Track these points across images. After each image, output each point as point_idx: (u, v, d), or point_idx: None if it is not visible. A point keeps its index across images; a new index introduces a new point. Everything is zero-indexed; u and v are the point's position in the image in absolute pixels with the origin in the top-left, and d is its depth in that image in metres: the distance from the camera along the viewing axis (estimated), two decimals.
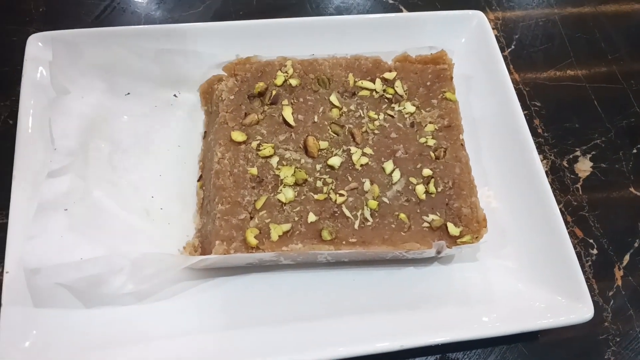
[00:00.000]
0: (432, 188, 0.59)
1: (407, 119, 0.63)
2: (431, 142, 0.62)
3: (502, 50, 0.82)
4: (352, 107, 0.63)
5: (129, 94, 0.67)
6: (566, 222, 0.70)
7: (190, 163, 0.65)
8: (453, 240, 0.57)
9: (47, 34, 0.65)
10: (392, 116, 0.63)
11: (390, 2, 0.86)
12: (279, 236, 0.55)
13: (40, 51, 0.64)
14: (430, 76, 0.66)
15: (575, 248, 0.68)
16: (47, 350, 0.52)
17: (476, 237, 0.58)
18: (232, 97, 0.62)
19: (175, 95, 0.68)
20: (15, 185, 0.58)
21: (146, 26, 0.67)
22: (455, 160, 0.61)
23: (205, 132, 0.66)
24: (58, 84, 0.64)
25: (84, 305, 0.55)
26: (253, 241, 0.54)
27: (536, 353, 0.63)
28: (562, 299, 0.59)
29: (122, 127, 0.65)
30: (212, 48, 0.68)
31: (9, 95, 0.68)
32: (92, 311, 0.55)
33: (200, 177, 0.63)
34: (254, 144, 0.59)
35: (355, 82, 0.64)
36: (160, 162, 0.64)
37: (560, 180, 0.74)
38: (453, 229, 0.57)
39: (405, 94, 0.64)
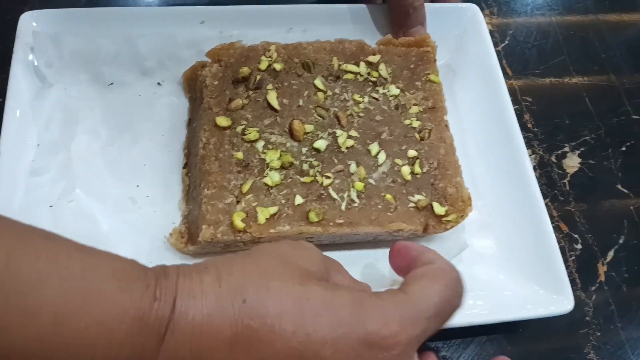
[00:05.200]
0: (417, 169, 0.59)
1: (392, 102, 0.63)
2: (416, 124, 0.62)
3: (495, 45, 0.82)
4: (336, 91, 0.63)
5: (112, 84, 0.67)
6: (552, 217, 0.71)
7: (174, 151, 0.64)
8: (439, 220, 0.58)
9: (39, 12, 0.64)
10: (376, 99, 0.63)
11: None
12: (266, 219, 0.54)
13: (33, 30, 0.63)
14: (414, 59, 0.66)
15: (559, 242, 0.68)
16: None
17: (461, 216, 0.58)
18: (216, 82, 0.61)
19: (159, 84, 0.68)
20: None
21: (127, 8, 0.66)
22: (439, 141, 0.62)
23: (189, 119, 0.66)
24: (43, 74, 0.64)
25: None
26: (240, 224, 0.54)
27: (516, 345, 0.63)
28: (543, 290, 0.59)
29: (105, 118, 0.64)
30: (196, 33, 0.67)
31: (1, 73, 0.67)
32: None
33: (186, 164, 0.63)
34: (239, 128, 0.59)
35: (339, 65, 0.64)
36: (145, 151, 0.64)
37: (547, 175, 0.74)
38: (439, 208, 0.58)
39: (390, 76, 0.65)
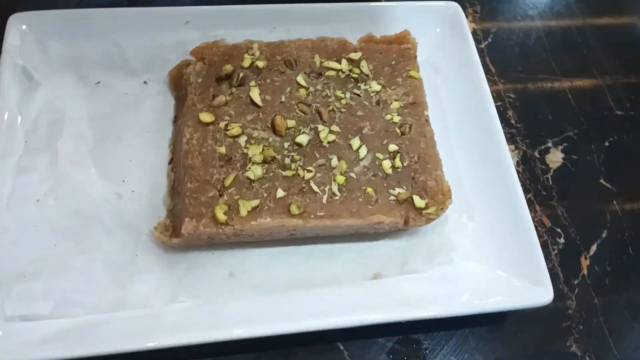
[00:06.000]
0: (398, 163, 0.60)
1: (373, 97, 0.64)
2: (397, 119, 0.63)
3: (478, 43, 0.84)
4: (318, 87, 0.64)
5: (99, 82, 0.68)
6: (535, 211, 0.72)
7: (161, 147, 0.65)
8: (419, 212, 0.59)
9: (28, 14, 0.65)
10: (358, 95, 0.64)
11: None
12: (248, 212, 0.55)
13: (21, 32, 0.65)
14: (395, 55, 0.67)
15: (542, 237, 0.70)
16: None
17: (441, 209, 0.59)
18: (199, 80, 0.62)
19: (145, 82, 0.69)
20: None
21: (113, 9, 0.68)
22: (420, 136, 0.63)
23: (175, 116, 0.67)
24: (31, 75, 0.65)
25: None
26: (222, 217, 0.55)
27: (498, 338, 0.64)
28: (522, 282, 0.60)
29: (92, 117, 0.66)
30: (181, 33, 0.69)
31: None
32: None
33: (171, 160, 0.64)
34: (222, 124, 0.60)
35: (321, 62, 0.65)
36: (131, 148, 0.65)
37: (530, 170, 0.75)
38: (419, 201, 0.59)
39: (371, 73, 0.66)
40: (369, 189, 0.59)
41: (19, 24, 0.66)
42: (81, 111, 0.65)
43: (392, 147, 0.61)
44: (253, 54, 0.64)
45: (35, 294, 0.53)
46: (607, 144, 0.79)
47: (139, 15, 0.69)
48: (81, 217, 0.59)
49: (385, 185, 0.60)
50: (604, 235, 0.72)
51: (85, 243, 0.57)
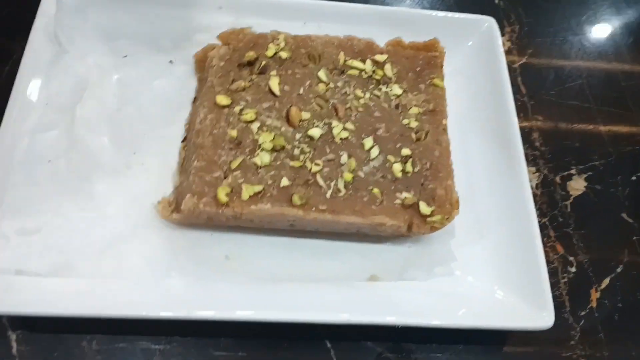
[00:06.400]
0: (409, 167, 0.59)
1: (393, 101, 0.64)
2: (414, 124, 0.62)
3: (513, 62, 0.82)
4: (339, 84, 0.64)
5: (126, 56, 0.69)
6: (548, 237, 0.70)
7: (177, 125, 0.66)
8: (423, 219, 0.57)
9: None
10: (378, 96, 0.64)
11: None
12: (250, 196, 0.55)
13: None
14: (421, 62, 0.66)
15: (553, 263, 0.68)
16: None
17: (447, 218, 0.57)
18: (222, 63, 0.63)
19: (171, 62, 0.70)
20: (2, 136, 0.59)
21: None
22: (435, 144, 0.61)
23: (195, 97, 0.68)
24: (60, 41, 0.66)
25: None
26: (223, 198, 0.55)
27: (494, 359, 0.61)
28: (523, 302, 0.58)
29: (114, 88, 0.67)
30: (213, 17, 0.70)
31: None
32: None
33: (185, 138, 0.65)
34: (237, 108, 0.60)
35: (345, 60, 0.65)
36: (147, 122, 0.65)
37: (549, 194, 0.73)
38: (424, 208, 0.57)
39: (394, 76, 0.65)
40: (375, 190, 0.58)
41: None
42: (104, 80, 0.66)
43: (405, 152, 0.60)
44: (278, 44, 0.64)
45: (33, 251, 0.54)
46: (634, 178, 0.76)
47: None
48: (88, 183, 0.59)
49: (392, 188, 0.59)
50: (618, 270, 0.69)
51: (88, 208, 0.58)
